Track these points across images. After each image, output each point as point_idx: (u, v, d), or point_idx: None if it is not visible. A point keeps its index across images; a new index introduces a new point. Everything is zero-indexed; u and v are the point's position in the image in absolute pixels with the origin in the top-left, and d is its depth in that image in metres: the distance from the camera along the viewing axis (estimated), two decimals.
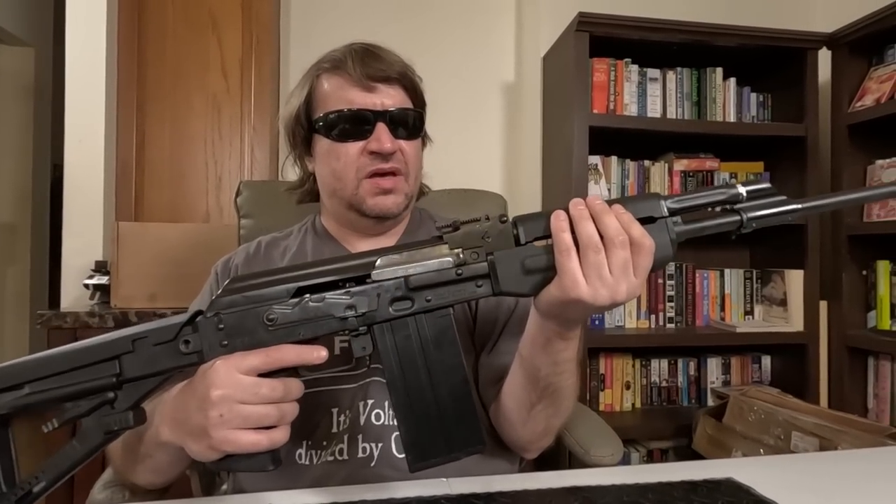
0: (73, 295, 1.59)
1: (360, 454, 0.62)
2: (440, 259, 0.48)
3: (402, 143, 0.67)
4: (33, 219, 3.16)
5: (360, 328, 0.48)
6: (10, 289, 3.09)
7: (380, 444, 0.62)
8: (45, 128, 3.25)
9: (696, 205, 0.49)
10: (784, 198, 0.48)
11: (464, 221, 0.49)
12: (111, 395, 0.46)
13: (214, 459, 0.46)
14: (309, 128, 0.70)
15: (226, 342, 0.47)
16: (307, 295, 0.48)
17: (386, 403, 0.63)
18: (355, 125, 0.66)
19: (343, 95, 0.66)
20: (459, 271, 0.47)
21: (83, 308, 1.39)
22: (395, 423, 0.61)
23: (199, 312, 0.48)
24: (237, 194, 1.01)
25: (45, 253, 3.25)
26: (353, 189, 0.67)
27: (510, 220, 0.49)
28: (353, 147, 0.66)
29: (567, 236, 0.45)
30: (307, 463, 0.62)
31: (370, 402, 0.63)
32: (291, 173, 0.80)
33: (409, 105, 0.69)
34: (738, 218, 0.48)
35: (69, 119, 1.62)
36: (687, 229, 0.48)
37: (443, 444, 0.48)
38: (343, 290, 0.48)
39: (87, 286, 1.49)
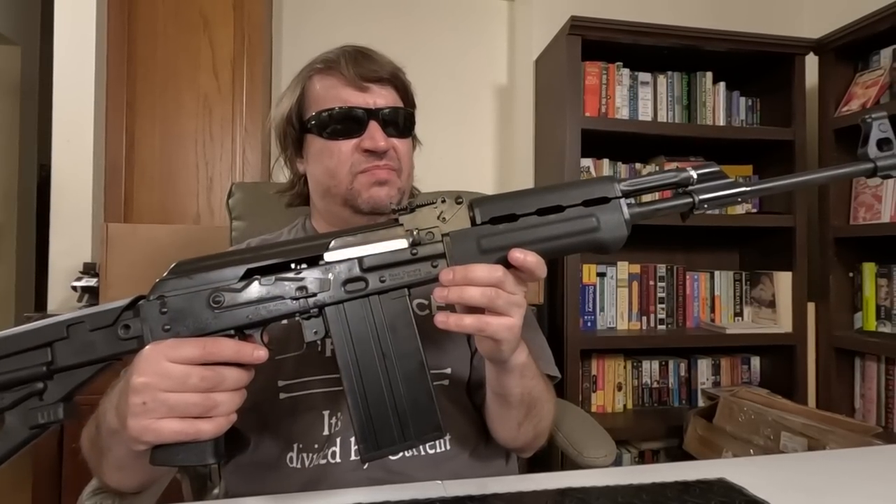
0: (61, 297, 1.57)
1: (353, 457, 0.61)
2: (395, 240, 0.47)
3: (395, 142, 0.68)
4: (19, 219, 3.11)
5: (312, 310, 0.46)
6: None
7: None
8: (32, 127, 3.20)
9: (649, 187, 0.50)
10: (732, 180, 0.50)
11: (420, 204, 0.48)
12: (40, 385, 0.43)
13: (141, 450, 0.43)
14: (301, 128, 0.70)
15: (168, 327, 0.44)
16: (257, 276, 0.46)
17: None
18: (348, 123, 0.66)
19: (336, 94, 0.67)
20: (414, 251, 0.47)
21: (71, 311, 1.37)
22: None
23: (141, 297, 0.46)
24: (229, 196, 1.00)
25: (31, 254, 3.20)
26: (348, 184, 0.67)
27: (466, 201, 0.49)
28: (346, 145, 0.66)
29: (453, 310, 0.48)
30: (298, 466, 0.62)
31: None
32: (282, 175, 0.80)
33: (400, 105, 0.70)
34: (689, 200, 0.49)
35: (57, 118, 1.60)
36: (641, 211, 0.49)
37: (397, 431, 0.46)
38: (294, 272, 0.46)
39: (74, 288, 1.47)
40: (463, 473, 0.62)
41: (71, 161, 1.60)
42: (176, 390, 0.42)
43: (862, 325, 1.64)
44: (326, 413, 0.63)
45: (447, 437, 0.65)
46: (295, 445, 0.62)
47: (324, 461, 0.61)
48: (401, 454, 0.62)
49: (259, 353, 0.45)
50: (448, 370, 0.68)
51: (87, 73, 1.61)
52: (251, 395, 0.59)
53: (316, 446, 0.62)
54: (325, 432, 0.63)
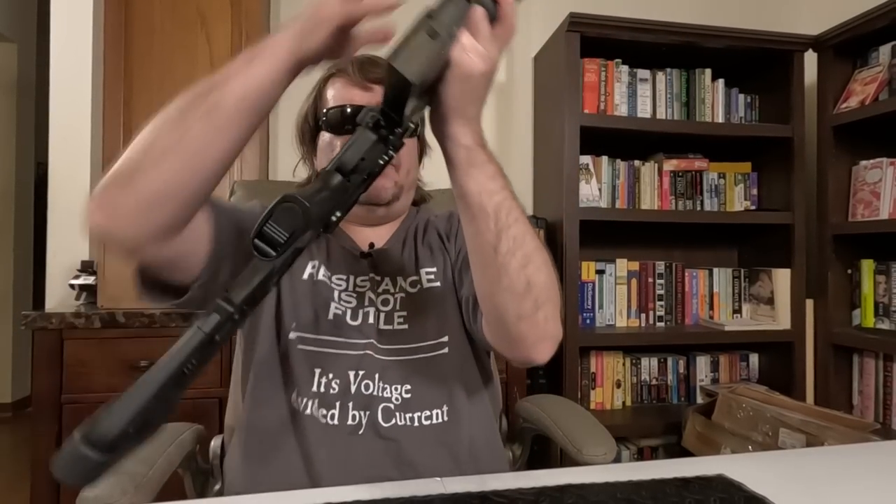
0: (59, 295, 1.56)
1: (350, 421, 0.64)
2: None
3: None
4: (16, 218, 3.10)
5: None
6: None
7: (367, 412, 0.65)
8: (29, 125, 3.19)
9: None
10: None
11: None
12: None
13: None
14: (315, 126, 0.77)
15: None
16: None
17: (376, 376, 0.67)
18: (351, 120, 0.71)
19: (343, 94, 0.73)
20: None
21: (69, 309, 1.37)
22: (384, 394, 0.65)
23: None
24: (231, 193, 1.00)
25: (28, 253, 3.19)
26: None
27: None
28: (348, 139, 0.70)
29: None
30: (300, 409, 0.65)
31: (361, 372, 0.67)
32: (282, 174, 0.81)
33: None
34: None
35: (54, 116, 1.59)
36: None
37: None
38: None
39: (72, 286, 1.47)
40: (456, 445, 0.66)
41: (68, 158, 1.59)
42: None
43: (860, 322, 1.64)
44: (318, 371, 0.67)
45: (444, 408, 0.67)
46: (294, 391, 0.66)
47: (324, 421, 0.64)
48: (393, 421, 0.65)
49: None
50: (445, 338, 0.71)
51: (84, 69, 1.60)
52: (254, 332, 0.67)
53: (311, 392, 0.66)
54: (314, 389, 0.66)
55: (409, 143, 0.74)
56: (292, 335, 0.68)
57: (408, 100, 0.45)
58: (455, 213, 0.79)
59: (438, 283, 0.73)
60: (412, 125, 0.47)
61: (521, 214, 0.54)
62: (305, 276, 0.71)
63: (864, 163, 1.64)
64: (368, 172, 0.45)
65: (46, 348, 1.28)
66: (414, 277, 0.74)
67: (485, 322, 0.63)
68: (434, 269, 0.74)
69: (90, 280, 1.45)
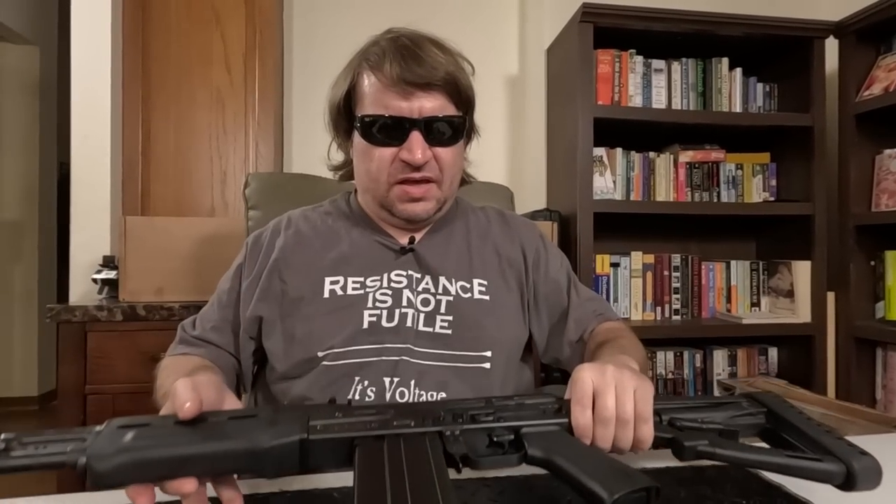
0: (81, 290, 1.60)
1: None
2: None
3: (438, 150, 0.67)
4: (40, 216, 3.18)
5: None
6: (18, 286, 3.12)
7: None
8: (51, 126, 3.27)
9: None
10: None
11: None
12: None
13: None
14: (349, 122, 0.71)
15: None
16: None
17: (412, 382, 0.63)
18: (390, 132, 0.65)
19: (380, 99, 0.65)
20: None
21: (92, 302, 1.41)
22: (420, 399, 0.63)
23: None
24: (245, 186, 1.01)
25: (52, 250, 3.27)
26: (385, 192, 0.68)
27: None
28: (387, 152, 0.66)
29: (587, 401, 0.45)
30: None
31: (396, 379, 0.63)
32: (297, 166, 0.81)
33: (449, 111, 0.67)
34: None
35: (75, 115, 1.63)
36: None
37: None
38: None
39: (95, 281, 1.50)
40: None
41: (89, 157, 1.62)
42: None
43: (884, 315, 1.61)
44: (357, 378, 0.63)
45: None
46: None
47: None
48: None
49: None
50: (489, 353, 0.67)
51: (104, 70, 1.63)
52: (287, 366, 0.66)
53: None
54: (350, 396, 0.63)
55: (453, 151, 0.69)
56: (325, 363, 0.65)
57: None
58: (532, 238, 0.79)
59: (488, 297, 0.70)
60: None
61: (636, 347, 0.66)
62: (326, 293, 0.67)
63: (888, 151, 1.60)
64: None
65: (70, 340, 1.32)
66: (465, 283, 0.70)
67: None
68: (486, 283, 0.71)
69: (112, 275, 1.48)
